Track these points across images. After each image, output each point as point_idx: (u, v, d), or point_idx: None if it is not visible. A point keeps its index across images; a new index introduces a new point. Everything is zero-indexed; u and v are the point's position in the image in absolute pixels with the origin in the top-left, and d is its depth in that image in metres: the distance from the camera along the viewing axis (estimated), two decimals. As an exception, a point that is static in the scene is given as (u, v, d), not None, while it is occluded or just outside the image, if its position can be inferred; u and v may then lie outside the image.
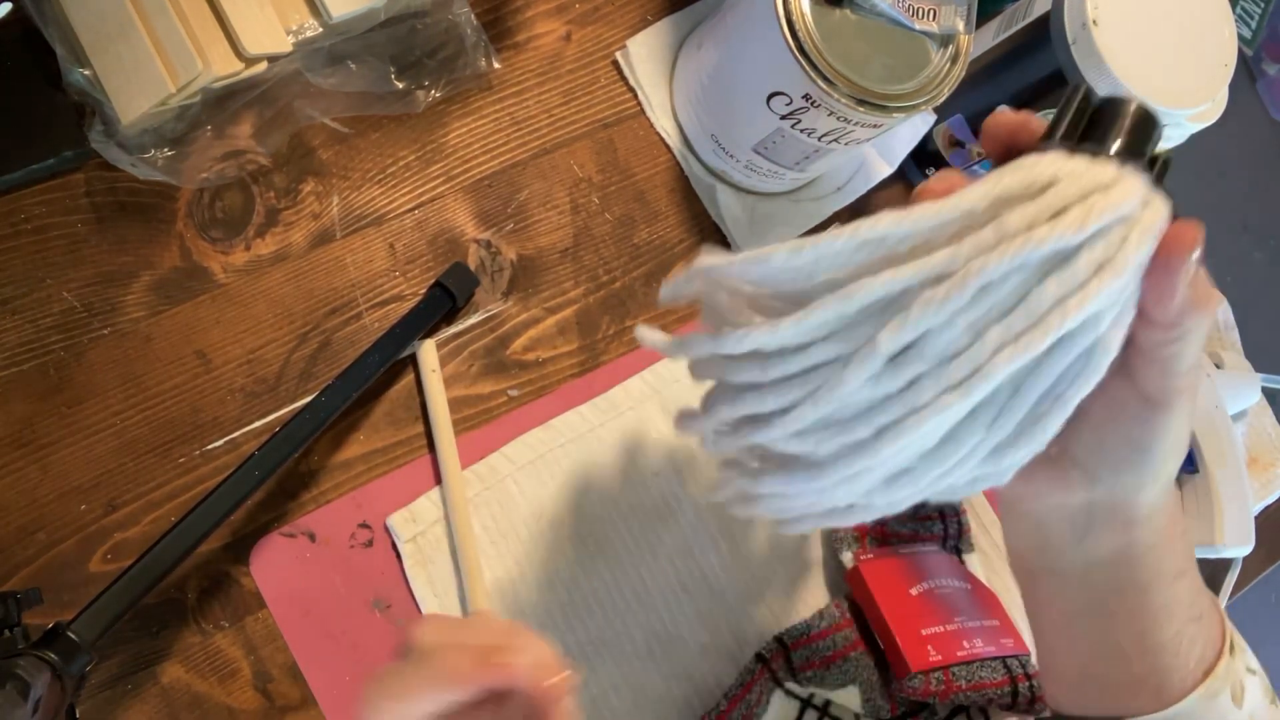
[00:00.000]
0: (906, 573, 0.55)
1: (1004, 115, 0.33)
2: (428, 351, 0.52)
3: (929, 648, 0.51)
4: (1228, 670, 0.37)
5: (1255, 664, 0.39)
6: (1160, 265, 0.29)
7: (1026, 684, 0.54)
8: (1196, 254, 0.29)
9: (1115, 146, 0.30)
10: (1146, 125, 0.31)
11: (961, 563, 0.59)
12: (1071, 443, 0.33)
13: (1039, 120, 0.32)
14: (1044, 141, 0.31)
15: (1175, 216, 0.30)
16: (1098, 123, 0.31)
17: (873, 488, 0.32)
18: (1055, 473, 0.34)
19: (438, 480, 0.52)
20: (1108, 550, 0.35)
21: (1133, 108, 0.31)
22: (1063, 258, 0.28)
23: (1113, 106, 0.31)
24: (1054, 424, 0.30)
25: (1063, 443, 0.32)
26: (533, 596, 0.52)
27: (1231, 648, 0.37)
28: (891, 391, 0.29)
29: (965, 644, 0.53)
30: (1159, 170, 0.31)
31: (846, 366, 0.29)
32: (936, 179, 0.32)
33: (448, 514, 0.51)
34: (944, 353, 0.29)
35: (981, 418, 0.30)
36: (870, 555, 0.56)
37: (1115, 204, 0.28)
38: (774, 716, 0.51)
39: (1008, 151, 0.32)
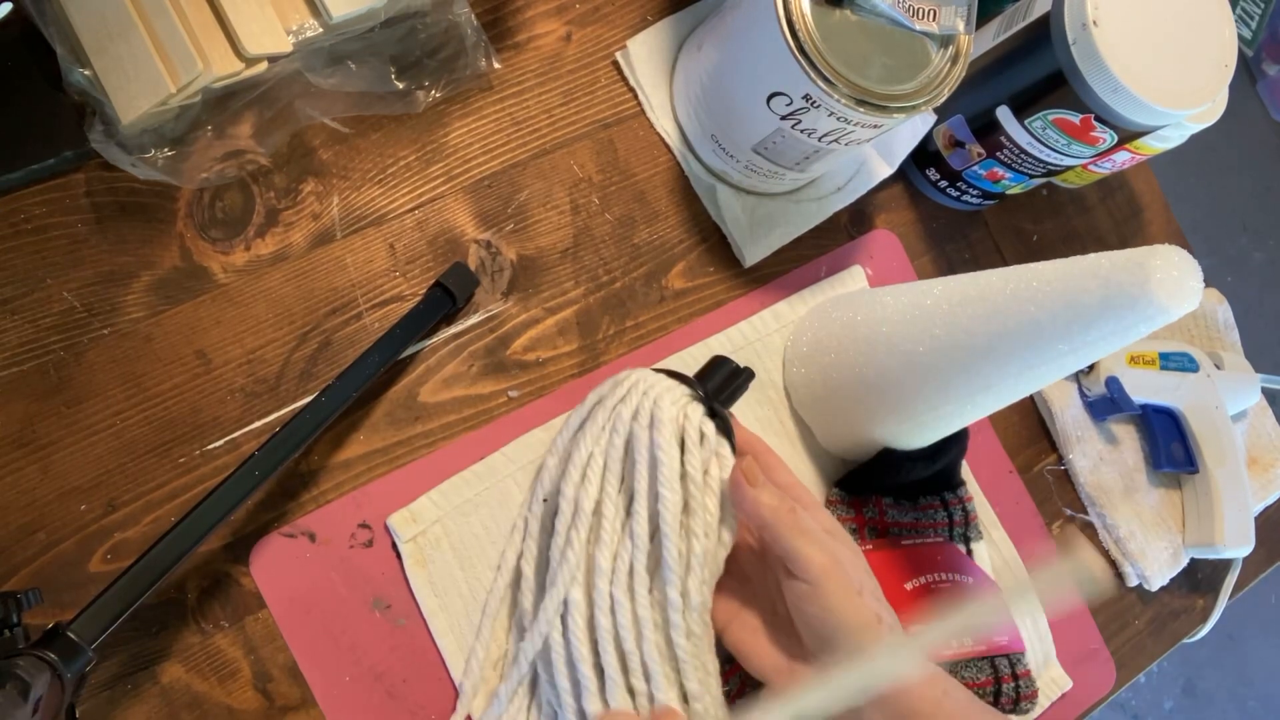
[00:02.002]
0: (904, 566, 0.55)
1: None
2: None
3: None
4: None
5: None
6: None
7: (1012, 684, 0.54)
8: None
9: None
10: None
11: (969, 553, 0.59)
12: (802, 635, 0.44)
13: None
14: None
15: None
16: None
17: None
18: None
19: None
20: None
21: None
22: None
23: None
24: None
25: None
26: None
27: None
28: None
29: (954, 642, 0.53)
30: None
31: None
32: None
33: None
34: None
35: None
36: (869, 546, 0.56)
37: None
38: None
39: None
